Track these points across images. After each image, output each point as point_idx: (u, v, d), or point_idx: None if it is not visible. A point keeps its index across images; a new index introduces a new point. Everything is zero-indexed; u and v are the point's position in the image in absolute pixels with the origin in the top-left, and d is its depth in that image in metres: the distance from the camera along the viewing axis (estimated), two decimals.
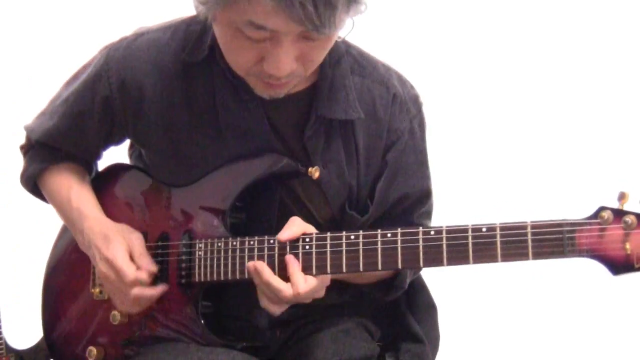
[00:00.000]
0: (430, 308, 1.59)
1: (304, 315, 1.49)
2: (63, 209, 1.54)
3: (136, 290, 1.39)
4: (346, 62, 1.42)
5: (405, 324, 1.54)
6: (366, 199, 1.46)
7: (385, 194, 1.46)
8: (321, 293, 1.34)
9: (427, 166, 1.52)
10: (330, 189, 1.42)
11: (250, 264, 1.32)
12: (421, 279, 1.61)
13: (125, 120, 1.46)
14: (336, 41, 1.37)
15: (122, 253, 1.41)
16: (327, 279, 1.33)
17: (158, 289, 1.41)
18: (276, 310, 1.32)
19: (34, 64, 2.82)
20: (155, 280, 1.42)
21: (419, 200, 1.50)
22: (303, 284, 1.28)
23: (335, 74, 1.40)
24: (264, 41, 1.20)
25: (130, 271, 1.39)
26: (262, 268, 1.30)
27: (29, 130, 1.58)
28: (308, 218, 1.38)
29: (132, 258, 1.41)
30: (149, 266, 1.41)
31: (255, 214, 1.43)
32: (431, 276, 1.63)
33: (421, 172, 1.50)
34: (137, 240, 1.44)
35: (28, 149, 1.60)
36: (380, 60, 1.49)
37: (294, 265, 1.29)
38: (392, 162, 1.45)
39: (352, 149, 1.42)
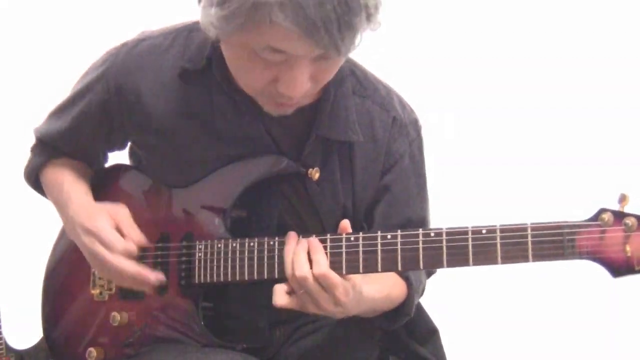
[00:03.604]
0: (432, 333, 1.54)
1: (304, 315, 1.48)
2: (56, 199, 1.54)
3: (123, 264, 1.36)
4: (349, 82, 1.42)
5: (411, 350, 1.51)
6: (362, 221, 1.46)
7: (387, 219, 1.45)
8: (345, 311, 1.28)
9: (427, 192, 1.51)
10: (322, 207, 1.42)
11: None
12: (419, 305, 1.56)
13: (122, 124, 1.47)
14: None
15: (108, 225, 1.39)
16: (354, 308, 1.28)
17: (155, 275, 1.38)
18: (285, 302, 1.27)
19: (34, 65, 2.82)
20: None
21: (417, 226, 1.46)
22: (325, 264, 1.23)
23: (338, 93, 1.40)
24: (279, 63, 1.20)
25: (118, 243, 1.37)
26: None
27: (36, 131, 1.59)
28: (302, 229, 1.38)
29: (120, 233, 1.39)
30: (139, 238, 1.39)
31: (254, 216, 1.43)
32: (435, 293, 1.62)
33: (421, 197, 1.49)
34: (123, 213, 1.42)
35: (34, 148, 1.62)
36: (383, 82, 1.49)
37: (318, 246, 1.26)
38: (392, 186, 1.44)
39: (348, 170, 1.42)
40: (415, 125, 1.49)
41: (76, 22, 2.81)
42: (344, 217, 1.41)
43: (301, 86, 1.22)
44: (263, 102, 1.31)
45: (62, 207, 1.51)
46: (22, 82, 2.81)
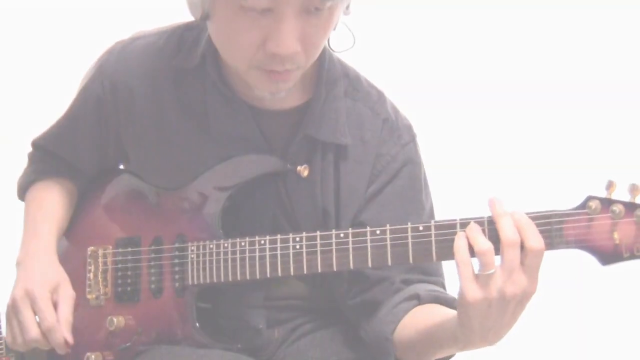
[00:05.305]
0: None
1: (302, 315, 1.50)
2: (26, 220, 1.57)
3: (40, 338, 1.40)
4: (341, 84, 1.41)
5: None
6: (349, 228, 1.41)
7: (377, 221, 1.38)
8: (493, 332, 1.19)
9: (424, 197, 1.44)
10: (300, 208, 1.41)
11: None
12: None
13: (118, 123, 1.47)
14: (335, 63, 1.39)
15: (47, 294, 1.42)
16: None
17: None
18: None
19: (34, 65, 2.82)
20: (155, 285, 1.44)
21: None
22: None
23: (329, 95, 1.40)
24: (266, 15, 1.18)
25: (51, 317, 1.40)
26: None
27: (33, 140, 1.60)
28: (295, 227, 1.38)
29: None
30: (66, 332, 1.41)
31: (248, 214, 1.43)
32: None
33: (417, 202, 1.43)
34: (68, 297, 1.45)
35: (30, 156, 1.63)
36: (376, 87, 1.47)
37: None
38: (384, 189, 1.41)
39: (334, 173, 1.41)
40: (409, 130, 1.46)
41: (75, 24, 2.81)
42: (324, 221, 1.41)
43: (290, 42, 1.19)
44: (255, 80, 1.29)
45: (26, 232, 1.54)
46: (22, 83, 2.82)
